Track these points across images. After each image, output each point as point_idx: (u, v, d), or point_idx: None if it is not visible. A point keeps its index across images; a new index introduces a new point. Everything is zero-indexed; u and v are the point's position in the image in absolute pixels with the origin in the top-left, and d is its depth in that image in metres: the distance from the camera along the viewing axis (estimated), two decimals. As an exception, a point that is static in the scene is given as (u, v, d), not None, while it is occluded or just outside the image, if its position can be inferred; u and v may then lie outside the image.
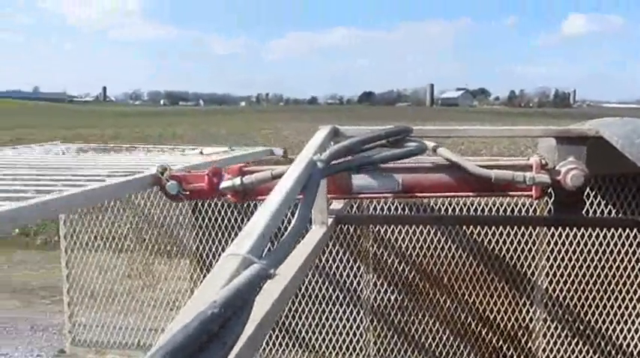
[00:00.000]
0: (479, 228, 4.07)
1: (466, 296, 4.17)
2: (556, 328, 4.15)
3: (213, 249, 4.32)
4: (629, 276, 4.03)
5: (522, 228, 4.06)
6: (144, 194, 4.40)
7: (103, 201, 4.13)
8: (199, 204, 4.30)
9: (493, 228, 4.06)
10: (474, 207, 4.04)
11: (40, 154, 3.58)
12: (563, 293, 4.10)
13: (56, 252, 5.53)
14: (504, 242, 4.10)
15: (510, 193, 2.44)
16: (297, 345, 4.38)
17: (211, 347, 0.77)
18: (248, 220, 1.20)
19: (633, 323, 4.08)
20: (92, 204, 3.92)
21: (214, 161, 2.99)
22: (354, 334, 4.31)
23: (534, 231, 4.06)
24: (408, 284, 4.20)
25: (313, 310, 4.33)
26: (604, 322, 4.10)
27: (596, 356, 4.13)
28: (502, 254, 4.11)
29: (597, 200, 3.97)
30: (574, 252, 4.06)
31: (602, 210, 3.98)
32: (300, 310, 4.33)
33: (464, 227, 4.08)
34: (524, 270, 4.11)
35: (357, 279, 4.26)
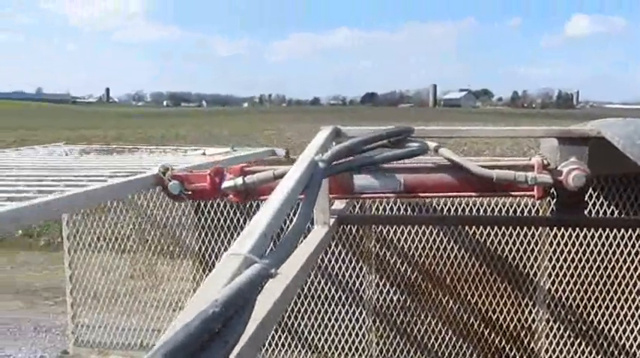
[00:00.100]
0: (481, 228, 4.07)
1: (468, 296, 4.17)
2: (559, 328, 4.14)
3: (216, 250, 4.33)
4: (631, 277, 4.02)
5: (525, 229, 4.06)
6: (146, 195, 4.40)
7: (105, 201, 4.13)
8: (202, 204, 4.31)
9: (495, 228, 4.06)
10: (476, 207, 4.04)
11: (43, 156, 3.58)
12: (566, 294, 4.09)
13: (59, 253, 5.54)
14: (507, 242, 4.09)
15: (512, 193, 2.44)
16: (299, 345, 4.38)
17: (213, 345, 0.77)
18: (250, 220, 1.21)
19: (636, 323, 4.07)
20: (94, 205, 3.92)
21: (216, 161, 2.99)
22: (357, 334, 4.31)
23: (537, 231, 4.06)
24: (410, 285, 4.21)
25: (316, 310, 4.33)
26: (607, 322, 4.09)
27: (599, 356, 4.13)
28: (504, 254, 4.10)
29: (600, 200, 3.97)
30: (576, 252, 4.05)
31: (605, 210, 3.97)
32: (302, 310, 4.34)
33: (466, 227, 4.08)
34: (526, 271, 4.11)
35: (360, 280, 4.26)
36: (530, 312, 4.15)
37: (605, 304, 4.07)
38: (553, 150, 2.44)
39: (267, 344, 4.36)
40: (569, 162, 2.32)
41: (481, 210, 4.02)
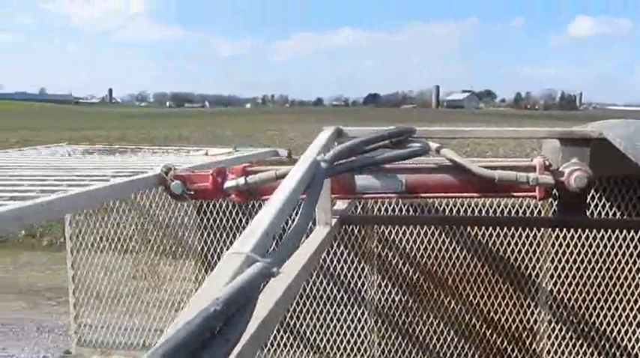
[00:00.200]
0: (483, 229, 4.07)
1: (470, 297, 4.17)
2: (561, 330, 4.14)
3: (218, 250, 4.34)
4: (633, 278, 4.02)
5: (527, 230, 4.06)
6: (149, 195, 4.41)
7: (108, 201, 4.14)
8: (204, 204, 4.32)
9: (498, 229, 4.06)
10: (478, 208, 4.04)
11: (45, 156, 3.59)
12: (568, 295, 4.09)
13: (62, 253, 5.56)
14: (509, 243, 4.09)
15: (514, 194, 2.44)
16: (301, 346, 4.39)
17: (214, 343, 0.78)
18: (252, 220, 1.21)
19: (639, 325, 4.07)
20: (97, 204, 3.93)
21: (219, 161, 3.00)
22: (359, 335, 4.32)
23: (539, 232, 4.06)
24: (412, 285, 4.21)
25: (318, 310, 4.33)
26: (609, 324, 4.09)
27: (601, 357, 4.12)
28: (506, 255, 4.10)
29: (602, 202, 3.97)
30: (578, 253, 4.05)
31: (607, 211, 3.97)
32: (304, 310, 4.34)
33: (468, 228, 4.08)
34: (528, 272, 4.11)
35: (362, 280, 4.26)
36: (532, 313, 4.15)
37: (607, 305, 4.07)
38: (555, 151, 2.45)
39: (269, 344, 4.36)
40: (570, 163, 2.33)
41: (483, 211, 4.02)
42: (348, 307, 4.30)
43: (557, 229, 3.97)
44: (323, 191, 1.95)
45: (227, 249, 1.05)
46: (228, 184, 2.29)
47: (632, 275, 4.01)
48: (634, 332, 4.07)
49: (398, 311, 4.25)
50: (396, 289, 4.23)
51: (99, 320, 4.62)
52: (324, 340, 4.35)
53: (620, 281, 4.03)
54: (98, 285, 4.61)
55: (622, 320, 4.07)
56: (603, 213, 3.97)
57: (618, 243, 4.01)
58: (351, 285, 4.28)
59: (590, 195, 3.88)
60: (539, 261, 4.09)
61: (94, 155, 3.69)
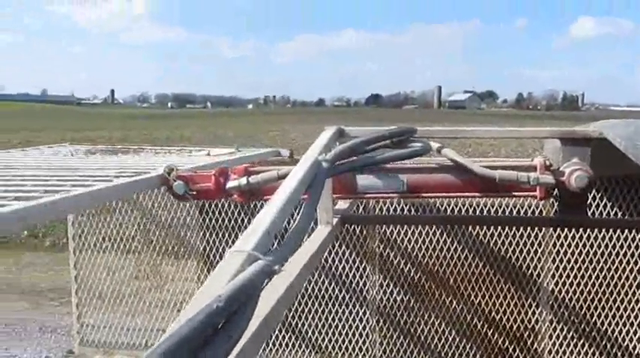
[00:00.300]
0: (485, 228, 4.07)
1: (472, 297, 4.17)
2: (562, 329, 4.14)
3: (220, 250, 4.34)
4: (635, 278, 4.02)
5: (528, 229, 4.06)
6: (151, 195, 4.42)
7: (111, 201, 4.15)
8: (206, 204, 4.33)
9: (499, 228, 4.07)
10: (479, 207, 4.05)
11: (48, 156, 3.60)
12: (569, 295, 4.09)
13: (64, 253, 5.57)
14: (510, 243, 4.10)
15: (515, 194, 2.45)
16: (303, 345, 4.39)
17: (216, 340, 0.78)
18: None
19: (640, 324, 4.07)
20: (100, 204, 3.94)
21: (221, 162, 3.01)
22: (360, 334, 4.32)
23: (540, 232, 4.06)
24: (413, 285, 4.21)
25: (319, 310, 4.34)
26: (610, 324, 4.09)
27: (602, 357, 4.13)
28: (508, 255, 4.11)
29: (603, 201, 3.97)
30: (580, 253, 4.05)
31: (608, 211, 3.98)
32: (306, 310, 4.35)
33: (469, 227, 4.09)
34: (529, 271, 4.11)
35: (363, 280, 4.27)
36: (533, 313, 4.16)
37: (609, 305, 4.07)
38: (556, 151, 2.46)
39: (270, 344, 4.37)
40: (571, 163, 2.33)
41: (484, 211, 4.03)
42: (350, 307, 4.31)
43: (558, 229, 3.98)
44: (324, 191, 1.95)
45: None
46: (230, 184, 2.30)
47: (633, 275, 4.02)
48: (635, 332, 4.08)
49: (399, 310, 4.26)
50: (397, 289, 4.24)
51: (101, 320, 4.63)
52: (326, 340, 4.36)
53: (622, 281, 4.03)
54: (101, 285, 4.62)
55: (623, 320, 4.07)
56: (604, 213, 3.97)
57: (619, 243, 4.01)
58: (353, 285, 4.28)
59: (591, 194, 3.88)
60: (540, 260, 4.10)
61: (96, 155, 3.70)
